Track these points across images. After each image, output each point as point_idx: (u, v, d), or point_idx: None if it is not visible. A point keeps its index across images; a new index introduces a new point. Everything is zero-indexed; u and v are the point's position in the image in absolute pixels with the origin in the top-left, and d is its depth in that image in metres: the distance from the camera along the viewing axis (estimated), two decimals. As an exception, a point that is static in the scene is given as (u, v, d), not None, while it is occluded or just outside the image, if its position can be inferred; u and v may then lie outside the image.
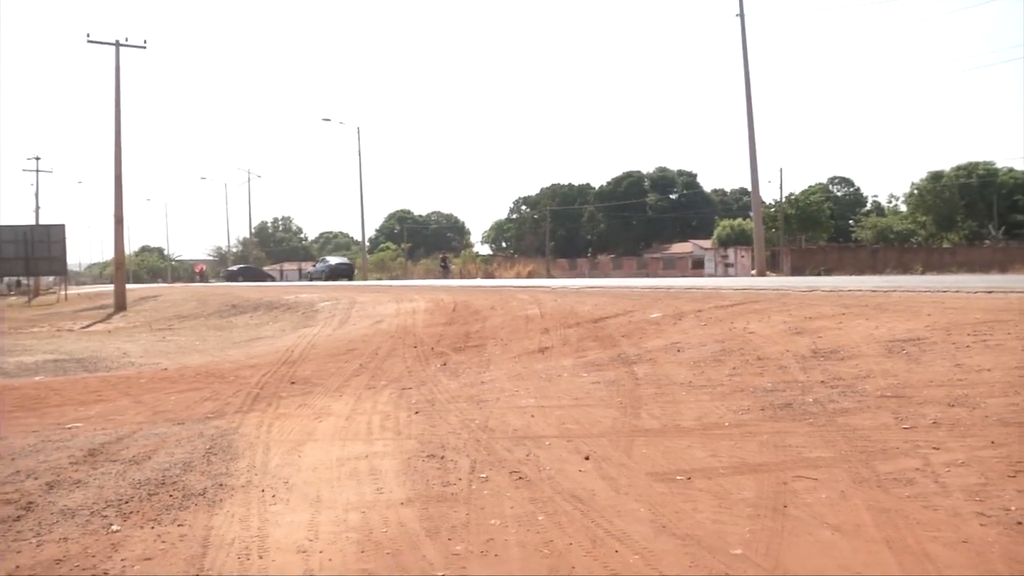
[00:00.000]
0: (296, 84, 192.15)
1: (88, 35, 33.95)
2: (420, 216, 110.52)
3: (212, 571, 3.74)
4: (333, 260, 60.49)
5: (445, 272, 53.10)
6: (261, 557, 3.89)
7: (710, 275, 51.59)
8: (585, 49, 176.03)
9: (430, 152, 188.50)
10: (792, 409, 6.13)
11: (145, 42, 35.15)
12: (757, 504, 4.25)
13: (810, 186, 72.51)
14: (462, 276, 56.84)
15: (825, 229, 66.09)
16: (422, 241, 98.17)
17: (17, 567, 3.87)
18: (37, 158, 66.71)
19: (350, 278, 52.12)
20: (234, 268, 66.93)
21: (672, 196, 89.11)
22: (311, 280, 52.53)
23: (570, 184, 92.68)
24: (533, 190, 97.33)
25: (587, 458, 5.37)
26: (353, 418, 7.43)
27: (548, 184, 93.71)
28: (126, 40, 34.40)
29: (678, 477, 4.81)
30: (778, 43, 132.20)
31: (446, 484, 5.00)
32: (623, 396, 7.24)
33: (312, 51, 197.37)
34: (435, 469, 5.36)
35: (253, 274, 63.53)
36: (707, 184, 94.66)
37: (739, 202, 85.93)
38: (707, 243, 70.07)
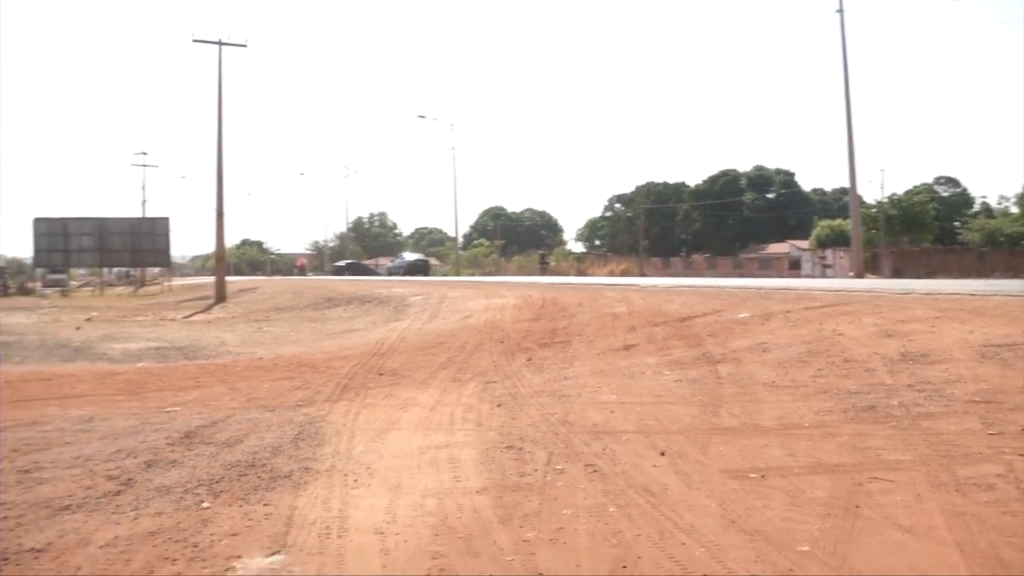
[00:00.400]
0: (392, 81, 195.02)
1: (193, 35, 35.22)
2: (514, 213, 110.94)
3: (294, 547, 3.91)
4: (410, 257, 64.66)
5: (544, 269, 53.64)
6: (340, 536, 4.05)
7: (807, 276, 50.71)
8: (682, 46, 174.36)
9: (524, 149, 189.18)
10: (875, 412, 6.06)
11: (246, 41, 36.27)
12: (829, 503, 4.24)
13: (914, 186, 70.41)
14: (554, 273, 57.05)
15: (929, 231, 64.12)
16: (515, 238, 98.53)
17: (116, 537, 4.11)
18: (144, 153, 69.55)
19: (426, 274, 54.97)
20: (341, 263, 68.61)
21: (769, 195, 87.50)
22: (390, 275, 54.27)
23: (665, 182, 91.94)
24: (627, 188, 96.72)
25: (663, 454, 5.41)
26: (437, 409, 7.59)
27: (643, 182, 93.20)
28: (228, 39, 35.54)
29: (752, 475, 4.82)
30: (879, 39, 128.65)
31: (522, 474, 5.10)
32: (704, 394, 7.24)
33: (408, 48, 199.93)
34: (512, 460, 5.47)
35: (359, 269, 65.04)
36: (806, 183, 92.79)
37: (839, 202, 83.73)
38: (805, 243, 68.65)
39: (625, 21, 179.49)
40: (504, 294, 19.94)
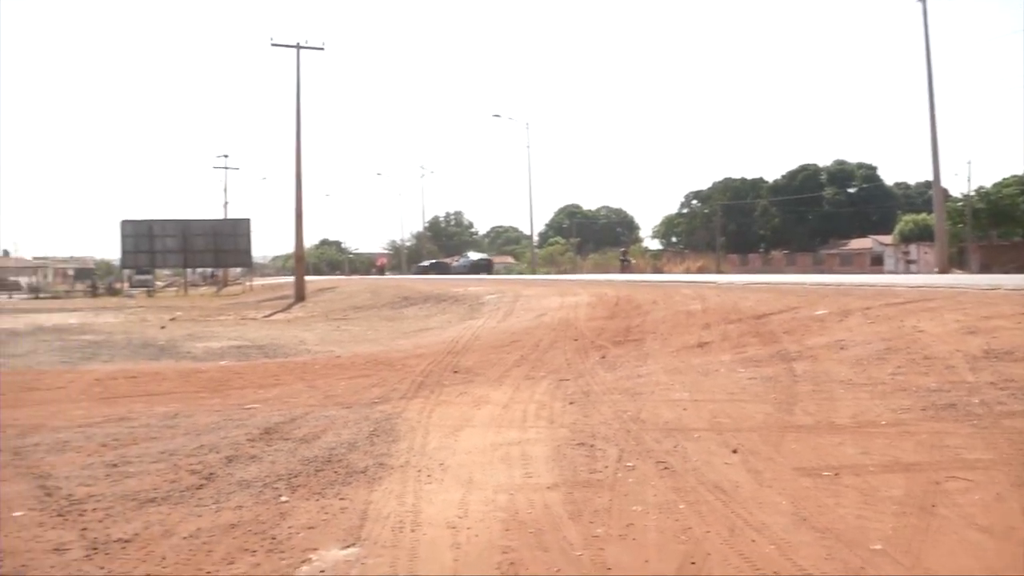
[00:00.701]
0: (467, 80, 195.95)
1: (271, 39, 35.93)
2: (589, 211, 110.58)
3: (368, 540, 4.01)
4: (474, 256, 67.38)
5: (625, 267, 53.76)
6: (413, 530, 4.14)
7: (890, 272, 49.62)
8: (759, 39, 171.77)
9: (600, 146, 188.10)
10: (955, 410, 5.93)
11: (323, 44, 36.91)
12: (904, 502, 4.18)
13: (1003, 179, 68.19)
14: (630, 271, 56.86)
15: (1020, 224, 62.02)
16: (591, 236, 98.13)
17: (198, 529, 4.26)
18: (225, 156, 70.98)
19: (488, 272, 57.17)
20: (426, 263, 69.55)
21: (851, 190, 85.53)
22: (455, 274, 55.70)
23: (742, 178, 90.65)
24: (704, 184, 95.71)
25: (735, 451, 5.38)
26: (510, 407, 7.65)
27: (720, 178, 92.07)
28: (306, 42, 36.19)
29: (825, 473, 4.77)
30: (964, 25, 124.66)
31: (592, 471, 5.13)
32: (779, 392, 7.16)
33: (482, 47, 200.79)
34: (583, 457, 5.50)
35: (442, 268, 65.88)
36: (889, 177, 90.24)
37: (923, 196, 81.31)
38: (888, 239, 67.05)
39: (701, 14, 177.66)
40: (579, 292, 19.94)
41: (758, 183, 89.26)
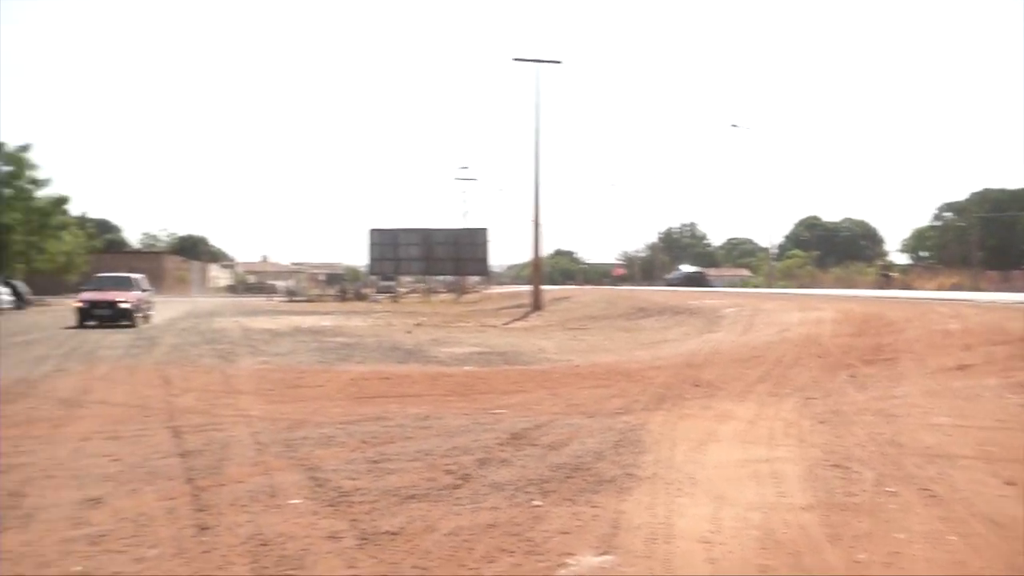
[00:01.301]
0: (701, 90, 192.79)
1: (513, 55, 37.09)
2: (830, 223, 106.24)
3: (621, 549, 4.05)
4: (688, 269, 69.68)
5: (887, 282, 52.11)
6: (667, 543, 4.14)
7: None
8: (1019, 34, 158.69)
9: (842, 155, 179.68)
10: None
11: (561, 58, 37.74)
12: None
13: None
14: (890, 286, 54.31)
15: None
16: (832, 249, 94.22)
17: (458, 527, 4.45)
18: (465, 167, 73.75)
19: (701, 285, 58.27)
20: (675, 275, 69.62)
21: None
22: (669, 286, 56.16)
23: (1003, 188, 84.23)
24: (960, 195, 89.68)
25: (1010, 483, 5.03)
26: (755, 423, 7.50)
27: (977, 188, 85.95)
28: (544, 57, 37.03)
29: (1121, 514, 4.38)
30: None
31: (849, 494, 4.95)
32: (1057, 422, 6.64)
33: (716, 56, 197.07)
34: (838, 479, 5.32)
35: (699, 280, 65.62)
36: None
37: None
38: None
39: (948, 13, 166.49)
40: (821, 307, 19.24)
41: (1021, 194, 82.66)
